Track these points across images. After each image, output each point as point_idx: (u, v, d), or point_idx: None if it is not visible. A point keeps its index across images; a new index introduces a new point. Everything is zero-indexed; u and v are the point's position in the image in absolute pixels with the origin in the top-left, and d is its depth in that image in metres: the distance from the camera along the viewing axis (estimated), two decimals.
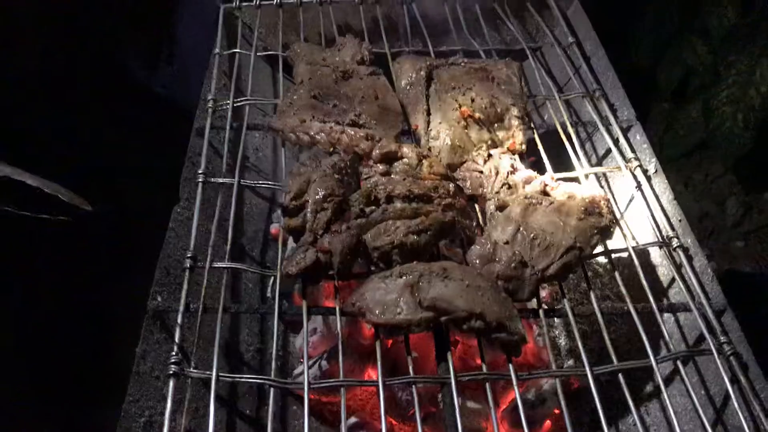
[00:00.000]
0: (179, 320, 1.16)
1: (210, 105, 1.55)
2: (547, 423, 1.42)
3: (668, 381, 1.34)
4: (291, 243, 1.44)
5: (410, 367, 1.15)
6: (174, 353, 1.11)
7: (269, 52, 1.78)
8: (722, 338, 1.19)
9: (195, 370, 1.12)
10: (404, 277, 1.17)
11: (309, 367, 1.12)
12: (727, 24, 2.66)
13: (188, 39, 2.90)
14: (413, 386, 1.13)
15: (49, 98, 2.58)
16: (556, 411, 1.41)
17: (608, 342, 1.18)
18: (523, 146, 1.47)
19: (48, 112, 2.54)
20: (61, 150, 2.50)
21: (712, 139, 2.67)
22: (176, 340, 1.14)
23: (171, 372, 1.09)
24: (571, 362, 1.57)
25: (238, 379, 1.16)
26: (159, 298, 1.23)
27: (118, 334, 1.30)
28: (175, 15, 2.94)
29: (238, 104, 1.55)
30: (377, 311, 1.15)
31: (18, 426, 1.72)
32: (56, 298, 1.98)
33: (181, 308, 1.18)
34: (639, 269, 1.28)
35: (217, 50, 1.72)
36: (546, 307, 1.28)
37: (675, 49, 2.84)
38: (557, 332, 1.60)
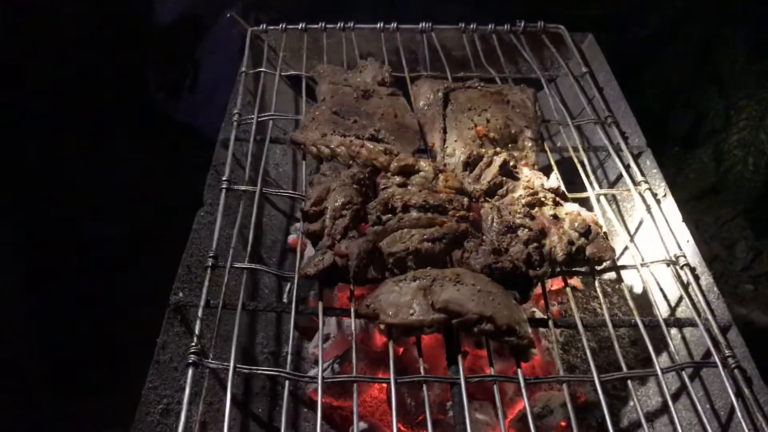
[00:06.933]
0: (200, 314, 1.20)
1: (235, 119, 1.61)
2: None
3: (674, 395, 1.36)
4: (308, 253, 1.48)
5: (421, 368, 1.18)
6: (193, 344, 1.15)
7: (293, 72, 1.85)
8: (727, 352, 1.22)
9: (213, 361, 1.15)
10: (418, 281, 1.21)
11: (323, 370, 1.16)
12: (738, 70, 2.73)
13: (212, 70, 3.00)
14: (424, 386, 1.16)
15: (74, 132, 2.68)
16: (563, 423, 1.42)
17: (617, 349, 1.20)
18: (536, 167, 1.51)
19: (73, 143, 2.64)
20: (83, 177, 2.60)
21: (722, 183, 2.72)
22: (196, 332, 1.17)
23: (190, 361, 1.13)
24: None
25: (254, 372, 1.19)
26: (180, 294, 1.27)
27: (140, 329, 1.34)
28: (200, 48, 3.04)
29: (262, 119, 1.62)
30: (391, 312, 1.18)
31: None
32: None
33: (202, 303, 1.22)
34: (648, 285, 1.31)
35: (243, 69, 1.79)
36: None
37: (686, 95, 2.90)
38: (566, 349, 1.62)
